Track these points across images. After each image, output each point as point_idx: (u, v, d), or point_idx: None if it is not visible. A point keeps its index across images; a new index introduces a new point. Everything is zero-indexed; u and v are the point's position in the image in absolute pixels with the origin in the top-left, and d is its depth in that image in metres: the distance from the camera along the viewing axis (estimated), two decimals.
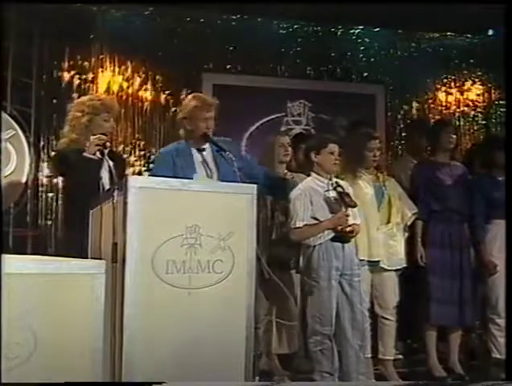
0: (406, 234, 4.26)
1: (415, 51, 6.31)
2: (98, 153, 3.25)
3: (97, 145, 3.28)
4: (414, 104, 6.36)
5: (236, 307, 2.77)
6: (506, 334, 3.40)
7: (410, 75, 6.16)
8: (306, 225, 3.76)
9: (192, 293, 2.69)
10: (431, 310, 4.24)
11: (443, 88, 6.44)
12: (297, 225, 3.77)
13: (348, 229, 3.71)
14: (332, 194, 3.77)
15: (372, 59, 6.20)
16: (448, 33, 6.36)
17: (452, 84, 6.45)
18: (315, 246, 3.74)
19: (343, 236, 3.73)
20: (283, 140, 4.30)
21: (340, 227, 3.71)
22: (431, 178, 4.39)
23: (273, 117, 6.06)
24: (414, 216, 4.28)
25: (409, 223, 4.28)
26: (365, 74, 6.23)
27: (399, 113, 6.33)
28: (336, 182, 3.81)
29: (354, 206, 3.75)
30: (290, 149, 4.25)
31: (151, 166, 3.46)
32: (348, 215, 3.73)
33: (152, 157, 5.48)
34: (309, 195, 3.78)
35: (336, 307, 3.70)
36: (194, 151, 3.68)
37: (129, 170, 5.23)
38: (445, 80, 6.43)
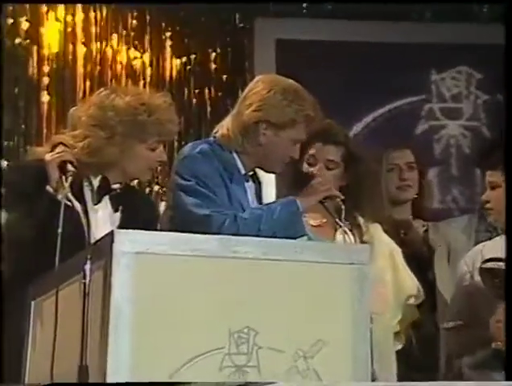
0: None
1: None
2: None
3: (60, 167, 3.02)
4: None
5: None
6: (506, 334, 3.65)
7: None
8: None
9: None
10: None
11: None
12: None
13: None
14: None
15: None
16: None
17: None
18: None
19: None
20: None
21: None
22: None
23: (401, 103, 5.47)
24: None
25: None
26: None
27: None
28: None
29: None
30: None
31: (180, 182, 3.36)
32: None
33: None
34: None
35: None
36: (243, 172, 3.46)
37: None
38: None
